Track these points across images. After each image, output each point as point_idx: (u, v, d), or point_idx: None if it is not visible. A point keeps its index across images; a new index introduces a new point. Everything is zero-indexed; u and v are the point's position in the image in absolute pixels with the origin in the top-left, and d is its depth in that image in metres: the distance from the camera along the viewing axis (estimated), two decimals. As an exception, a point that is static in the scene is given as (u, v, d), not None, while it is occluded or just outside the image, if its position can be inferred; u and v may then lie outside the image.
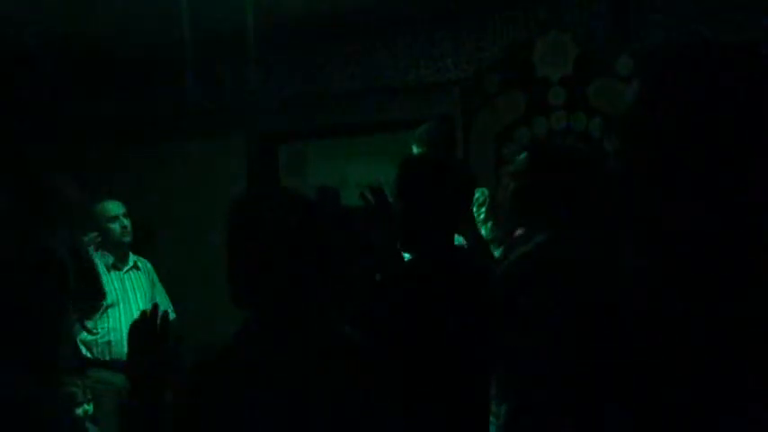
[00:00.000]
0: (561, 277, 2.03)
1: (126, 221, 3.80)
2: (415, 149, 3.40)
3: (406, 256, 2.44)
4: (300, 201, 1.55)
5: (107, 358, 3.68)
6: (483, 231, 3.47)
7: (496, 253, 2.77)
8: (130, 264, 3.87)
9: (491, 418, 2.09)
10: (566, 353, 1.98)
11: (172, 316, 4.02)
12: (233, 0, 3.95)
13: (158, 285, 4.02)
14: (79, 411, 3.46)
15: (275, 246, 1.46)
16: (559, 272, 2.04)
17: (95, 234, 3.69)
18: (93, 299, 3.20)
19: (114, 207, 3.81)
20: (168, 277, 4.29)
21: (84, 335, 3.70)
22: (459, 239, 3.35)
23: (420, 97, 4.52)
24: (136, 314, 3.75)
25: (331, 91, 4.79)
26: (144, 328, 1.57)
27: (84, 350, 3.70)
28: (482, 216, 3.48)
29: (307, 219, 1.51)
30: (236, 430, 1.42)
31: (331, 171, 4.94)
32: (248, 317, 1.51)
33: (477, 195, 3.39)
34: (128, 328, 3.88)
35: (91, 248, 3.76)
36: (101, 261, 3.78)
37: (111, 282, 3.77)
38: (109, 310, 3.72)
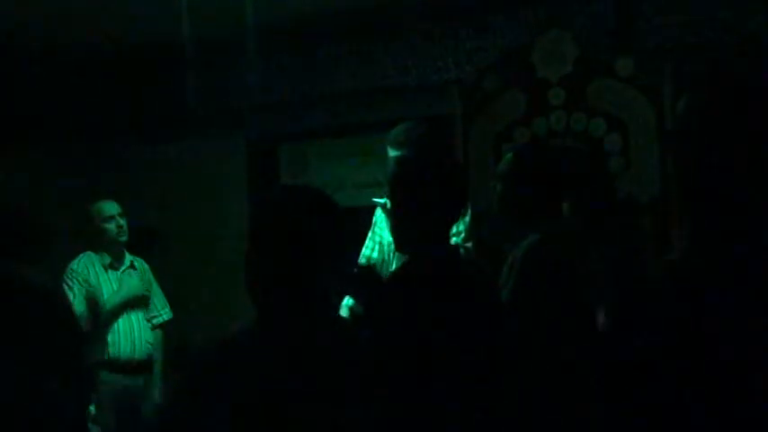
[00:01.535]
0: (550, 277, 2.04)
1: (122, 221, 3.79)
2: (391, 152, 3.41)
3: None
4: (322, 197, 1.58)
5: (105, 358, 3.68)
6: (461, 227, 3.50)
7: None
8: (127, 263, 3.87)
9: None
10: (559, 349, 1.99)
11: (169, 315, 4.02)
12: (233, 0, 3.95)
13: (155, 285, 4.01)
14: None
15: (299, 239, 1.48)
16: (548, 272, 2.05)
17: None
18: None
19: (110, 207, 3.80)
20: (168, 277, 4.29)
21: (82, 335, 3.70)
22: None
23: (420, 97, 4.52)
24: (133, 314, 3.78)
25: (331, 91, 4.79)
26: None
27: (82, 350, 3.70)
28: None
29: (328, 215, 1.55)
30: (242, 420, 1.42)
31: (331, 171, 4.94)
32: (261, 309, 1.52)
33: None
34: (125, 327, 3.89)
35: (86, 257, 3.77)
36: (98, 261, 3.78)
37: (109, 281, 3.77)
38: (107, 310, 3.72)
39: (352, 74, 4.72)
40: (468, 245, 3.47)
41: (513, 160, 2.39)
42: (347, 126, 4.85)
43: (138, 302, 3.80)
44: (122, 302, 3.72)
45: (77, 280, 3.68)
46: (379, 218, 3.54)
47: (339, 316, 1.63)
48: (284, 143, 5.19)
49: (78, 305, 3.60)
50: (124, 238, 3.81)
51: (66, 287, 3.63)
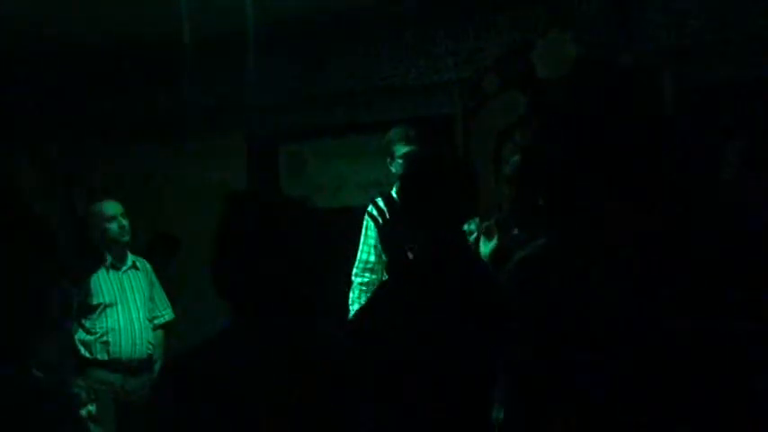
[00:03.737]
0: (558, 281, 2.03)
1: (124, 221, 3.79)
2: (401, 148, 3.45)
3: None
4: (293, 201, 1.57)
5: (105, 358, 3.68)
6: (472, 225, 3.51)
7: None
8: (129, 263, 3.87)
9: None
10: (562, 356, 1.97)
11: (171, 316, 4.02)
12: (233, 0, 3.95)
13: (157, 285, 4.01)
14: (83, 412, 3.46)
15: (263, 243, 1.48)
16: (558, 276, 2.04)
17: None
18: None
19: (112, 207, 3.81)
20: (167, 277, 4.28)
21: (83, 334, 3.70)
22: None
23: (420, 97, 4.52)
24: (134, 314, 3.78)
25: (331, 91, 4.79)
26: None
27: (82, 350, 3.69)
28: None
29: (298, 219, 1.53)
30: (217, 427, 1.41)
31: (331, 171, 4.94)
32: (233, 314, 1.51)
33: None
34: (126, 327, 3.88)
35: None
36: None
37: (110, 281, 3.77)
38: (107, 310, 3.72)
39: (352, 74, 4.72)
40: (476, 218, 3.49)
41: (521, 164, 2.38)
42: (347, 126, 4.85)
43: None
44: None
45: None
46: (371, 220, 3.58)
47: (324, 318, 1.61)
48: (284, 143, 5.19)
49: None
50: (126, 239, 3.81)
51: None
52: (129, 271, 3.86)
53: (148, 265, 3.98)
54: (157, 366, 3.88)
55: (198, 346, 1.49)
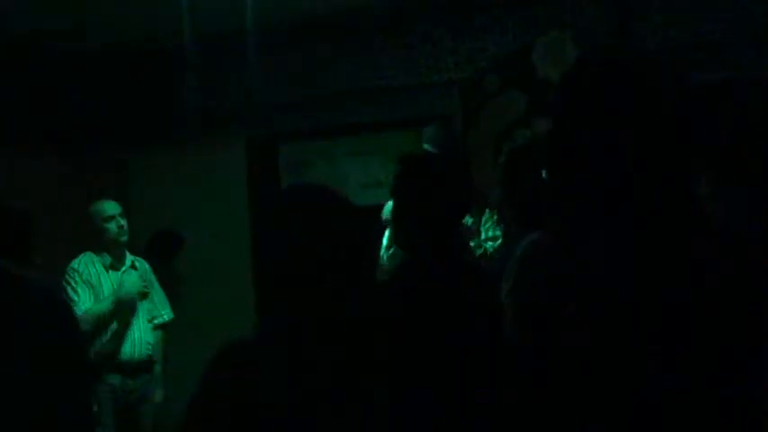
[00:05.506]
0: (551, 277, 2.03)
1: (122, 221, 3.79)
2: (426, 148, 3.48)
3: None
4: (336, 195, 1.54)
5: (114, 359, 3.68)
6: (497, 231, 3.52)
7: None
8: (128, 264, 3.86)
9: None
10: (557, 354, 1.97)
11: (170, 316, 4.02)
12: (233, 0, 3.95)
13: (155, 285, 4.01)
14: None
15: (314, 241, 1.46)
16: (549, 271, 2.03)
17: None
18: None
19: (110, 207, 3.80)
20: (169, 277, 4.29)
21: (82, 335, 3.70)
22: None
23: (420, 97, 4.52)
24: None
25: (331, 91, 4.79)
26: None
27: (82, 350, 3.70)
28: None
29: (343, 214, 1.51)
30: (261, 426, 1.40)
31: (331, 171, 4.94)
32: (273, 314, 1.50)
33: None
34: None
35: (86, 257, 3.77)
36: (98, 261, 3.78)
37: (110, 282, 3.76)
38: (107, 311, 3.72)
39: (352, 74, 4.72)
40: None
41: (505, 164, 2.40)
42: (347, 126, 4.85)
43: (134, 300, 3.77)
44: (119, 300, 3.69)
45: (79, 279, 3.68)
46: None
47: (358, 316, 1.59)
48: (284, 143, 5.19)
49: (83, 303, 3.61)
50: (125, 238, 3.80)
51: (67, 286, 3.64)
52: (128, 271, 3.86)
53: (146, 265, 3.98)
54: (157, 367, 3.88)
55: (246, 344, 1.48)
